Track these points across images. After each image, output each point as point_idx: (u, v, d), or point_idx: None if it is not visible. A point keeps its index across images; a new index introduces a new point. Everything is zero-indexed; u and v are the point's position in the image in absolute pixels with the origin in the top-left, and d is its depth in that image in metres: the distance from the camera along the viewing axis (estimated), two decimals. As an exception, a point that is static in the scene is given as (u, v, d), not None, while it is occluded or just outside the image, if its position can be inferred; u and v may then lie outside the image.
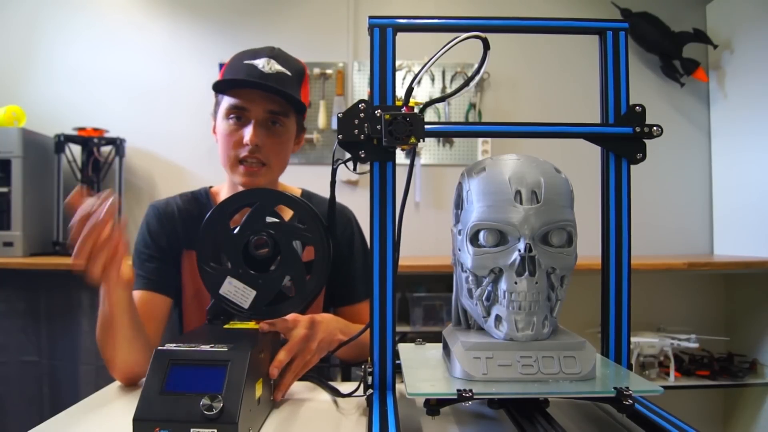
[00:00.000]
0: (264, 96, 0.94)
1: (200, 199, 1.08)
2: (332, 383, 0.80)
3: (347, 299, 1.10)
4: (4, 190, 2.10)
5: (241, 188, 1.01)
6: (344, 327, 0.88)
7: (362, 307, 1.10)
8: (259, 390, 0.63)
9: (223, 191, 1.08)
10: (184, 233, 1.03)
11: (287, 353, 0.73)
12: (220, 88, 0.95)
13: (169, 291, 1.00)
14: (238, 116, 0.96)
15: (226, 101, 0.96)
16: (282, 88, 0.93)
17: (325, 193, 0.85)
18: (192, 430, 0.53)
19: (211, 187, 1.11)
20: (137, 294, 0.93)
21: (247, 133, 0.94)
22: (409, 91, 0.63)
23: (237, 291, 0.72)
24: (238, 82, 0.94)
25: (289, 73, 0.97)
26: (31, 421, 0.66)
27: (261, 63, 0.94)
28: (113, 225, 0.67)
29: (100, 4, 2.52)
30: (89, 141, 2.29)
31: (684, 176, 2.54)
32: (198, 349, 0.60)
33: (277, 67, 0.95)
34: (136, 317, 0.81)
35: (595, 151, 0.69)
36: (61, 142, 2.24)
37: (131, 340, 0.80)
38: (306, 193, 1.13)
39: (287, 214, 0.77)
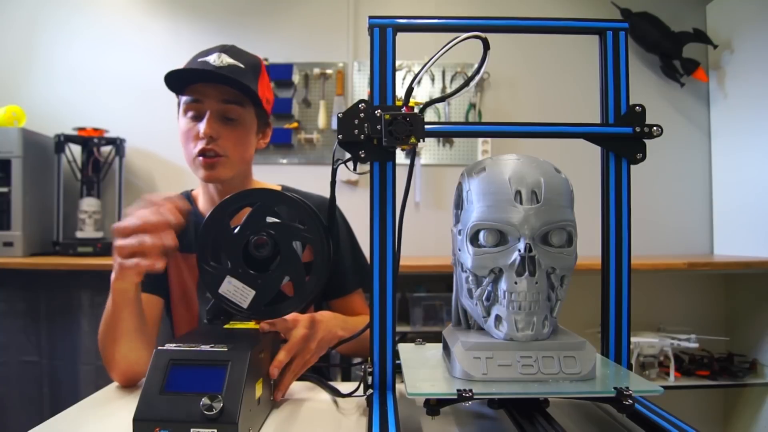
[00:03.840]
0: (216, 88, 0.95)
1: None
2: (332, 383, 0.80)
3: (338, 292, 1.10)
4: (4, 190, 2.10)
5: (212, 186, 1.03)
6: (343, 323, 0.88)
7: (354, 297, 1.11)
8: (259, 390, 0.63)
9: (200, 195, 1.10)
10: None
11: (287, 353, 0.73)
12: (170, 83, 0.96)
13: (160, 292, 1.01)
14: (195, 112, 0.96)
15: (183, 99, 0.98)
16: (234, 77, 0.93)
17: (326, 193, 0.85)
18: (192, 430, 0.53)
19: (192, 189, 1.13)
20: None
21: (202, 125, 0.95)
22: (409, 91, 0.63)
23: (236, 290, 0.72)
24: (186, 72, 0.94)
25: (242, 66, 0.97)
26: (31, 421, 0.66)
27: (212, 58, 0.95)
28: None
29: (100, 4, 2.52)
30: (89, 141, 2.29)
31: (684, 176, 2.54)
32: (198, 349, 0.60)
33: (228, 60, 0.96)
34: (140, 311, 0.81)
35: (595, 151, 0.69)
36: (61, 142, 2.24)
37: (134, 334, 0.80)
38: (286, 189, 1.13)
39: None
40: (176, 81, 0.95)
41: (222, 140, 0.96)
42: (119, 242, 0.71)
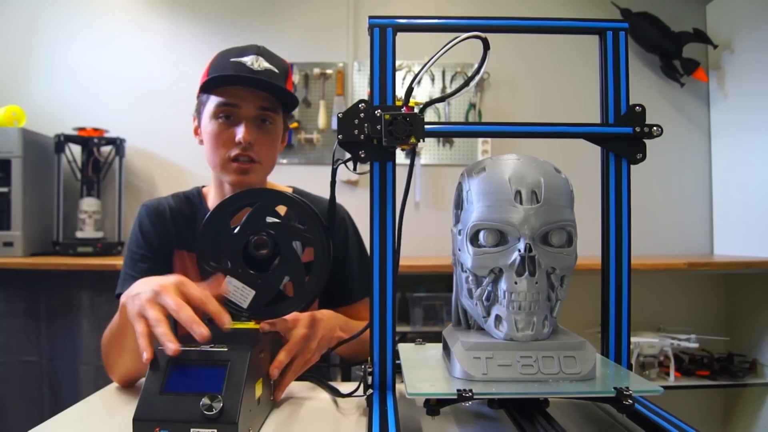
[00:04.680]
0: (254, 93, 0.94)
1: (192, 199, 1.08)
2: (332, 383, 0.80)
3: (346, 300, 1.09)
4: (4, 190, 2.10)
5: (228, 187, 1.00)
6: (344, 324, 0.88)
7: (361, 306, 1.10)
8: (259, 390, 0.63)
9: (211, 192, 1.08)
10: (176, 233, 1.03)
11: (287, 353, 0.73)
12: (209, 86, 0.94)
13: None
14: (227, 115, 0.94)
15: (214, 100, 0.95)
16: (273, 83, 0.92)
17: (326, 193, 0.85)
18: (192, 430, 0.53)
19: (203, 186, 1.11)
20: None
21: (240, 131, 0.93)
22: (409, 91, 0.63)
23: (236, 290, 0.72)
24: (231, 79, 0.92)
25: (276, 71, 0.96)
26: (31, 421, 0.66)
27: (249, 60, 0.93)
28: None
29: (100, 4, 2.52)
30: (89, 141, 2.29)
31: (684, 176, 2.54)
32: (198, 349, 0.60)
33: (265, 64, 0.94)
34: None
35: (595, 151, 0.69)
36: (61, 142, 2.24)
37: (138, 349, 0.78)
38: (297, 191, 1.12)
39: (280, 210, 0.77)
40: (212, 83, 0.93)
41: (257, 146, 0.95)
42: (150, 310, 0.64)
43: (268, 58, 0.97)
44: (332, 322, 0.85)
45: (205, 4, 2.52)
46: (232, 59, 0.94)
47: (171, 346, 0.59)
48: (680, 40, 2.41)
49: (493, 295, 0.60)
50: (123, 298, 0.71)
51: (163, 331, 0.61)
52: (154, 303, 0.64)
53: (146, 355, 0.60)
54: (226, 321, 0.64)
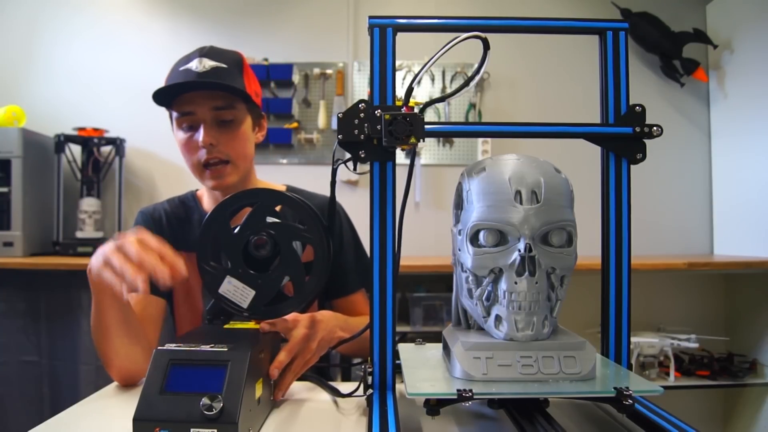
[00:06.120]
0: (204, 95, 0.95)
1: (187, 202, 1.11)
2: (332, 383, 0.80)
3: (341, 291, 1.10)
4: (4, 190, 2.10)
5: (215, 192, 1.03)
6: (344, 323, 0.88)
7: (356, 297, 1.11)
8: (259, 390, 0.63)
9: (205, 195, 1.11)
10: (172, 236, 1.05)
11: (288, 353, 0.73)
12: (159, 100, 0.96)
13: (162, 293, 1.01)
14: (189, 123, 0.97)
15: (174, 114, 0.98)
16: (219, 81, 0.93)
17: (326, 193, 0.85)
18: (192, 430, 0.53)
19: (197, 190, 1.13)
20: (132, 298, 0.94)
21: (199, 135, 0.95)
22: (409, 91, 0.63)
23: (236, 290, 0.72)
24: (171, 88, 0.94)
25: (224, 66, 0.97)
26: (31, 421, 0.66)
27: (194, 64, 0.95)
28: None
29: (100, 4, 2.52)
30: (89, 141, 2.29)
31: (684, 176, 2.54)
32: (198, 349, 0.60)
33: (210, 63, 0.95)
34: (126, 314, 0.81)
35: (595, 151, 0.69)
36: (61, 142, 2.24)
37: (120, 325, 0.80)
38: (291, 189, 1.13)
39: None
40: (164, 96, 0.95)
41: (222, 145, 0.96)
42: (113, 257, 0.67)
43: (214, 56, 0.97)
44: (332, 322, 0.85)
45: (205, 4, 2.52)
46: (180, 68, 0.96)
47: (142, 286, 0.62)
48: (680, 40, 2.41)
49: (493, 295, 0.60)
50: (88, 270, 0.73)
51: (131, 274, 0.64)
52: (118, 252, 0.67)
53: (141, 286, 0.62)
54: (181, 269, 0.67)
